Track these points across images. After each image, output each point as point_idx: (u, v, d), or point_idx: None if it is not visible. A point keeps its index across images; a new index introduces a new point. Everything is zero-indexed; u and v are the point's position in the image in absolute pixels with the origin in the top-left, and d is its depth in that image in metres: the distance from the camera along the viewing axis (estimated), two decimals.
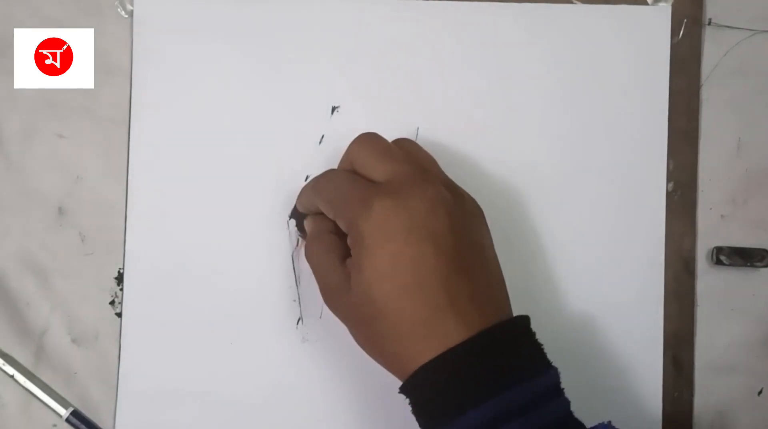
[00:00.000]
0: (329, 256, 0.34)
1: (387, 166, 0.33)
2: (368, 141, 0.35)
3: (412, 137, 0.41)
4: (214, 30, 0.41)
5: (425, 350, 0.30)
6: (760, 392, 0.41)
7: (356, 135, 0.35)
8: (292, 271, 0.40)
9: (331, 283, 0.34)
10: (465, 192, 0.35)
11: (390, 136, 0.40)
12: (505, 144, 0.41)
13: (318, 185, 0.36)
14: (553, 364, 0.32)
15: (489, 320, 0.31)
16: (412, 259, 0.31)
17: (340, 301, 0.34)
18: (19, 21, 0.41)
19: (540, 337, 0.32)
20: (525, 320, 0.32)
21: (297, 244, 0.40)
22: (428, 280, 0.31)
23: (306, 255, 0.36)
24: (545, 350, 0.32)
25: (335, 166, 0.40)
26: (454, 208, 0.32)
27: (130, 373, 0.40)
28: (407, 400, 0.32)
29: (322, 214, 0.36)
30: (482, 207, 0.35)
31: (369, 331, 0.33)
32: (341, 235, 0.34)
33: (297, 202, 0.39)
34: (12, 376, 0.39)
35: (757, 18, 0.41)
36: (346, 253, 0.34)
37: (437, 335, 0.30)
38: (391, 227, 0.31)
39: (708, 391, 0.40)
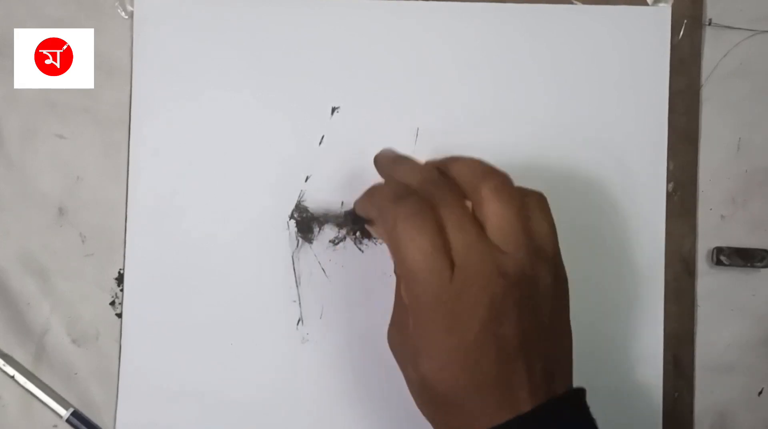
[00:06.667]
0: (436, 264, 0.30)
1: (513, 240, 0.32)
2: (506, 195, 0.33)
3: (412, 137, 0.41)
4: (214, 30, 0.41)
5: (481, 419, 0.30)
6: (760, 392, 0.41)
7: (355, 135, 0.34)
8: (292, 271, 0.40)
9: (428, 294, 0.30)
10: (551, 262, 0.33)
11: (390, 136, 0.40)
12: (504, 144, 0.41)
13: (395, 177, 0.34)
14: None
15: (550, 392, 0.31)
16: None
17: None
18: (19, 21, 0.41)
19: None
20: (580, 393, 0.32)
21: (297, 245, 0.40)
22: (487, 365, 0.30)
23: (394, 237, 0.31)
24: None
25: (335, 167, 0.40)
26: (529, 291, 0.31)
27: (130, 373, 0.40)
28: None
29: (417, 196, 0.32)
30: None
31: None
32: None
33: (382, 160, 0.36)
34: (12, 377, 0.39)
35: (757, 18, 0.41)
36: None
37: (484, 413, 0.30)
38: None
39: (708, 391, 0.40)
